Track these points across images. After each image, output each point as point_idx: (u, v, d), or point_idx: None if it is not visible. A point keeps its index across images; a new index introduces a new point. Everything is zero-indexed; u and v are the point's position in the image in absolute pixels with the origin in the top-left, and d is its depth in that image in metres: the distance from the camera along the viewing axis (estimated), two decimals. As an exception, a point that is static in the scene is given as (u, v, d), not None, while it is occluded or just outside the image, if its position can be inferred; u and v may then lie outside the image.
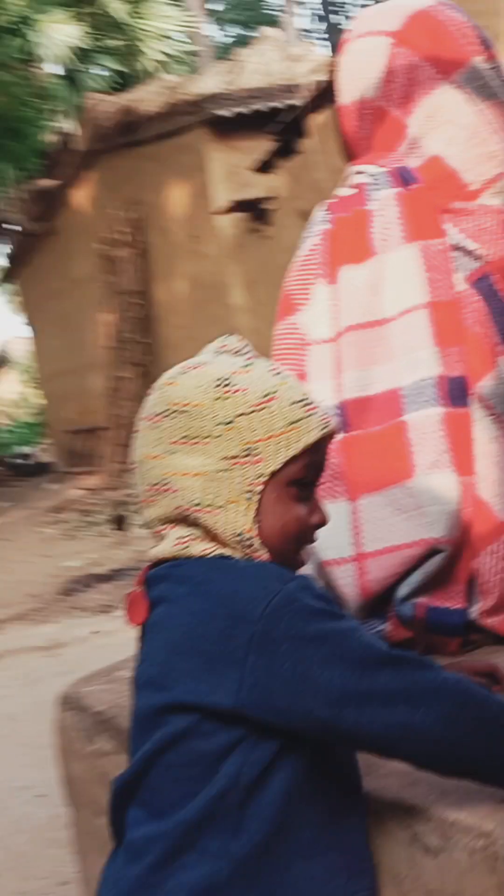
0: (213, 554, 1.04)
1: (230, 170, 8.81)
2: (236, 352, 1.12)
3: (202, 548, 1.05)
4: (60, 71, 12.87)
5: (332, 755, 1.02)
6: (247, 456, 1.04)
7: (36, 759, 3.00)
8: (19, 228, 13.36)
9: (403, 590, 1.27)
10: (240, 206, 8.46)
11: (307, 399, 1.08)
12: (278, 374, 1.10)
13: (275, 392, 1.06)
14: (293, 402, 1.06)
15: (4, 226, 13.88)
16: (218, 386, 1.06)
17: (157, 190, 9.77)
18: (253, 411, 1.05)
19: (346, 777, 1.03)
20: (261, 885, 0.96)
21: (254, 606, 0.96)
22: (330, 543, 1.32)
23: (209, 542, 1.05)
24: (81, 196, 11.25)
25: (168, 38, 13.50)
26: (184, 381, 1.08)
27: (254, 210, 8.45)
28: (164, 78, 11.27)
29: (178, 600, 1.03)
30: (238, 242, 8.85)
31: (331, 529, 1.30)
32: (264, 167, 7.75)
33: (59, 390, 13.34)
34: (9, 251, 14.39)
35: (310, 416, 1.07)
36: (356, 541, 1.31)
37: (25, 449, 19.31)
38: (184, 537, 1.06)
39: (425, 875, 1.01)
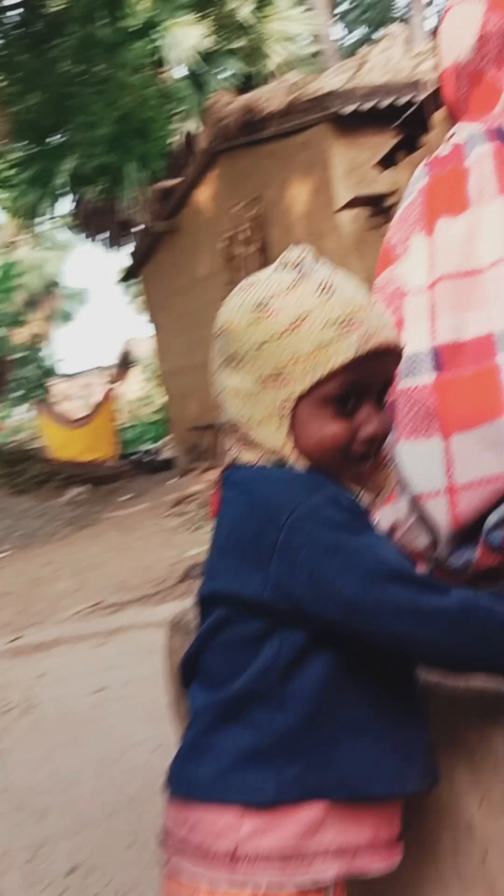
0: (258, 463, 1.12)
1: (352, 166, 8.81)
2: (294, 265, 1.13)
3: (249, 457, 1.13)
4: (185, 72, 13.21)
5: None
6: (276, 378, 1.09)
7: (153, 718, 3.17)
8: (144, 227, 13.73)
9: (493, 518, 1.33)
10: (361, 201, 8.46)
11: (344, 319, 1.08)
12: (323, 291, 1.09)
13: (307, 315, 1.08)
14: (326, 325, 1.08)
15: (129, 225, 14.32)
16: (254, 310, 1.10)
17: (279, 187, 9.89)
18: (281, 336, 1.08)
19: (396, 664, 1.09)
20: (306, 758, 1.04)
21: (280, 514, 1.03)
22: (423, 478, 1.40)
23: (255, 452, 1.12)
24: (204, 194, 11.48)
25: (292, 39, 13.64)
26: (231, 303, 1.14)
27: (376, 205, 8.42)
28: (289, 77, 11.38)
29: (228, 502, 1.12)
30: (359, 238, 8.85)
31: (424, 465, 1.38)
32: (386, 162, 7.72)
33: (180, 387, 13.59)
34: (132, 250, 14.80)
35: (342, 337, 1.07)
36: (448, 475, 1.38)
37: (150, 445, 19.84)
38: (237, 446, 1.14)
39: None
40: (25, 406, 23.14)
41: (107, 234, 16.48)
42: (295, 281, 1.11)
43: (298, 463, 1.10)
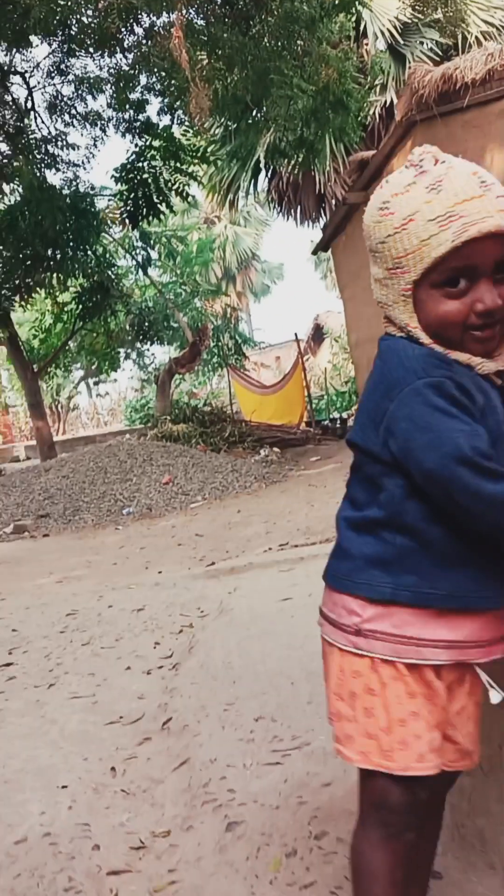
0: (398, 335, 1.42)
1: (552, 134, 8.77)
2: (415, 165, 1.36)
3: (392, 330, 1.44)
4: (384, 45, 13.36)
5: None
6: (397, 269, 1.36)
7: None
8: (338, 200, 14.04)
9: None
10: None
11: (443, 215, 1.29)
12: (431, 190, 1.31)
13: (415, 214, 1.30)
14: (428, 221, 1.29)
15: (324, 198, 14.68)
16: (379, 209, 1.37)
17: (476, 157, 9.91)
18: (396, 233, 1.34)
19: None
20: (419, 573, 1.37)
21: (395, 388, 1.33)
22: None
23: (395, 327, 1.42)
24: (399, 165, 11.60)
25: (491, 8, 13.47)
26: (369, 202, 1.40)
27: None
28: (487, 46, 11.33)
29: (374, 369, 1.44)
30: None
31: None
32: None
33: (366, 357, 13.87)
34: (326, 223, 15.15)
35: (441, 231, 1.28)
36: None
37: (337, 414, 20.36)
38: (385, 322, 1.45)
39: None
40: (221, 373, 24.19)
41: (302, 208, 16.95)
42: (412, 181, 1.34)
43: (425, 337, 1.37)
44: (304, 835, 2.00)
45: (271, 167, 15.92)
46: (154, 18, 11.03)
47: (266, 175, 16.83)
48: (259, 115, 11.86)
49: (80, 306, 17.19)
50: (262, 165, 16.13)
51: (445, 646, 1.37)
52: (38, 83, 14.86)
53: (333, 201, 14.52)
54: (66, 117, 14.89)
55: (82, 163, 15.67)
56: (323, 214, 16.28)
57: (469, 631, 1.38)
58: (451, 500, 1.29)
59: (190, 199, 15.49)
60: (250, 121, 12.33)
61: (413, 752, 1.39)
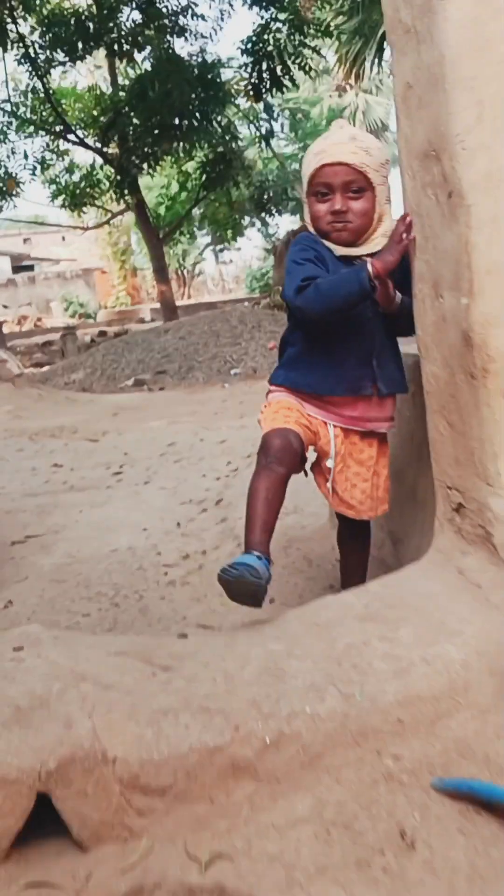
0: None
1: None
2: (337, 125, 2.25)
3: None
4: None
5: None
6: (303, 184, 2.29)
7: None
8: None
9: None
10: None
11: (318, 151, 2.15)
12: (323, 137, 2.20)
13: (309, 150, 2.21)
14: (312, 154, 2.19)
15: None
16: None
17: None
18: (302, 160, 2.29)
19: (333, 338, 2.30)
20: (297, 370, 2.31)
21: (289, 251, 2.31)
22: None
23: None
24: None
25: None
26: None
27: None
28: None
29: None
30: None
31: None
32: None
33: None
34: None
35: (314, 159, 2.15)
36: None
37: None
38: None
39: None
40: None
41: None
42: (325, 133, 2.28)
43: (313, 230, 2.29)
44: (282, 545, 3.27)
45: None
46: None
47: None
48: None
49: (204, 176, 18.06)
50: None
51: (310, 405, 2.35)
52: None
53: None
54: (196, -11, 15.41)
55: (210, 34, 16.30)
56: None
57: (320, 407, 2.34)
58: (300, 312, 2.22)
59: (312, 72, 15.90)
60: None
61: (278, 422, 2.28)
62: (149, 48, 16.72)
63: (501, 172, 1.78)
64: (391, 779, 1.60)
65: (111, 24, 15.77)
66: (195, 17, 16.24)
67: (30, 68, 17.04)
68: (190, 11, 16.06)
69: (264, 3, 15.09)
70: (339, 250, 2.28)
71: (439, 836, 1.48)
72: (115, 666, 1.81)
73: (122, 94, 17.81)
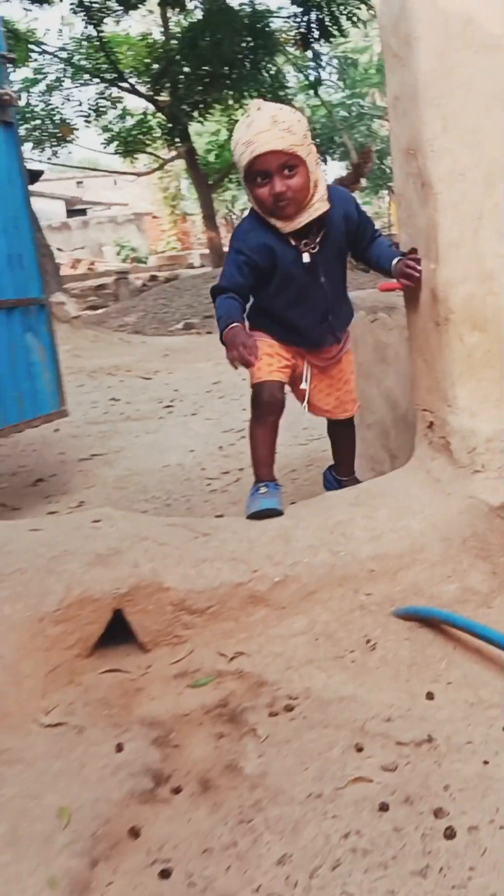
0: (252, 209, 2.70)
1: None
2: (256, 108, 2.37)
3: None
4: None
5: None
6: (240, 172, 2.57)
7: None
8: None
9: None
10: None
11: (246, 141, 2.32)
12: (246, 126, 2.33)
13: (236, 140, 2.36)
14: (239, 144, 2.36)
15: None
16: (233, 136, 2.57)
17: None
18: (233, 150, 2.42)
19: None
20: (256, 322, 2.75)
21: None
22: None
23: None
24: None
25: None
26: None
27: None
28: None
29: None
30: None
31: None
32: None
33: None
34: None
35: (244, 149, 2.33)
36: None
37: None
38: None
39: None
40: (381, 195, 24.87)
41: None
42: (242, 120, 2.40)
43: (258, 210, 2.47)
44: (305, 464, 3.92)
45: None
46: None
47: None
48: None
49: (253, 124, 18.32)
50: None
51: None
52: None
53: None
54: None
55: (261, -18, 16.43)
56: None
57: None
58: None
59: (360, 23, 16.06)
60: None
61: (263, 374, 2.62)
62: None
63: (462, 170, 2.36)
64: (363, 608, 2.25)
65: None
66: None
67: (85, 16, 17.45)
68: (241, -41, 16.27)
69: (314, -49, 15.24)
70: (286, 228, 2.51)
71: (393, 641, 2.14)
72: (167, 532, 2.49)
73: (173, 42, 18.14)
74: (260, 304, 2.71)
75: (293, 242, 2.57)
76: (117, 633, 2.26)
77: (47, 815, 1.62)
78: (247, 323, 2.64)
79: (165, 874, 1.47)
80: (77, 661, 2.18)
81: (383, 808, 1.56)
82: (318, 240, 2.58)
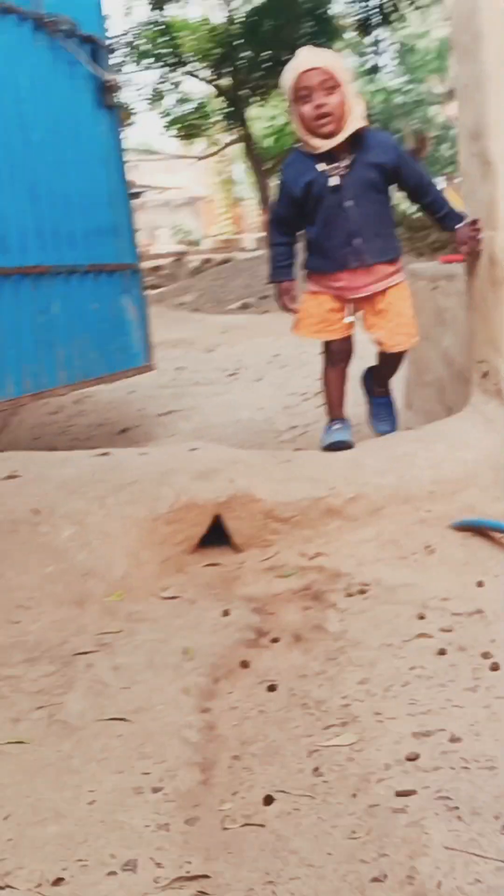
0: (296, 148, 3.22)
1: None
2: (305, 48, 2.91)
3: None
4: None
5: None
6: (286, 98, 3.00)
7: None
8: None
9: None
10: None
11: (293, 66, 2.77)
12: (294, 59, 2.81)
13: (286, 68, 2.82)
14: (288, 70, 2.80)
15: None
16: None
17: None
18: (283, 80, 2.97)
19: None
20: (309, 252, 3.17)
21: None
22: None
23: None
24: None
25: None
26: None
27: None
28: None
29: None
30: None
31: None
32: None
33: None
34: None
35: (288, 74, 2.78)
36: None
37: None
38: None
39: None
40: (438, 180, 24.97)
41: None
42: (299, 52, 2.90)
43: (303, 133, 2.85)
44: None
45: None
46: None
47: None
48: None
49: (311, 109, 18.61)
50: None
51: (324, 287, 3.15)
52: None
53: None
54: None
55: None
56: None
57: (329, 284, 3.13)
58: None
59: (421, 9, 16.25)
60: None
61: (328, 334, 3.18)
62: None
63: (519, 150, 2.75)
64: (424, 521, 2.66)
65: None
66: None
67: (149, 1, 17.87)
68: None
69: None
70: (324, 146, 2.87)
71: (449, 546, 2.55)
72: (256, 457, 2.93)
73: (235, 27, 18.48)
74: (307, 236, 3.06)
75: (324, 169, 2.91)
76: (213, 539, 2.70)
77: (175, 652, 2.06)
78: (297, 271, 3.11)
79: (272, 688, 1.90)
80: (184, 556, 2.63)
81: (441, 652, 1.98)
82: (347, 164, 2.91)
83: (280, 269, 3.10)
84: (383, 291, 3.06)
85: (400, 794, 1.48)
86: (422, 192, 3.05)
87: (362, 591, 2.35)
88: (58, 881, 1.35)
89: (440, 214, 3.03)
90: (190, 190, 35.45)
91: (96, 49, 4.12)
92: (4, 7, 3.58)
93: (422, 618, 2.16)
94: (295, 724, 1.76)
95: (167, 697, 1.86)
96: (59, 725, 1.80)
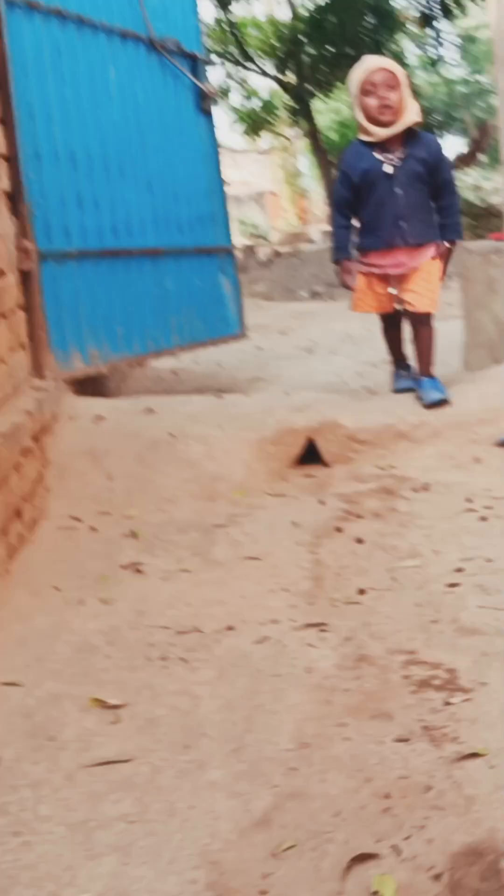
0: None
1: None
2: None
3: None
4: None
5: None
6: (353, 95, 3.65)
7: None
8: None
9: None
10: None
11: (361, 68, 3.46)
12: (361, 62, 3.54)
13: (353, 72, 3.51)
14: (355, 73, 3.49)
15: None
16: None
17: None
18: (349, 79, 3.66)
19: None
20: (361, 232, 3.91)
21: None
22: None
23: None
24: None
25: None
26: None
27: None
28: None
29: None
30: None
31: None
32: None
33: None
34: None
35: (358, 73, 3.46)
36: None
37: None
38: None
39: None
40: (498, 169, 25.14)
41: None
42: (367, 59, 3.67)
43: (364, 122, 3.59)
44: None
45: None
46: None
47: None
48: None
49: (376, 102, 19.16)
50: None
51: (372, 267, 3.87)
52: None
53: None
54: None
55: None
56: None
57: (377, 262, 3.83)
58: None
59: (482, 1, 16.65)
60: None
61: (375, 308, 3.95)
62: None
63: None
64: (474, 441, 3.37)
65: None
66: None
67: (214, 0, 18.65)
68: None
69: None
70: (382, 133, 3.49)
71: (494, 458, 3.25)
72: (338, 399, 3.68)
73: (299, 24, 19.15)
74: (361, 217, 3.65)
75: (381, 157, 3.54)
76: (308, 459, 3.45)
77: (286, 525, 2.82)
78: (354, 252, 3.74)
79: (359, 541, 2.65)
80: (286, 469, 3.39)
81: (483, 518, 2.70)
82: (400, 156, 3.54)
83: (341, 249, 3.78)
84: (418, 266, 3.68)
85: (449, 585, 2.22)
86: (441, 195, 3.64)
87: (425, 488, 3.08)
88: (229, 628, 2.12)
89: (442, 221, 3.66)
90: (256, 184, 36.20)
91: (196, 63, 4.87)
92: (125, 32, 4.35)
93: (469, 500, 2.88)
94: (377, 558, 2.51)
95: (284, 547, 2.63)
96: (211, 563, 2.58)
